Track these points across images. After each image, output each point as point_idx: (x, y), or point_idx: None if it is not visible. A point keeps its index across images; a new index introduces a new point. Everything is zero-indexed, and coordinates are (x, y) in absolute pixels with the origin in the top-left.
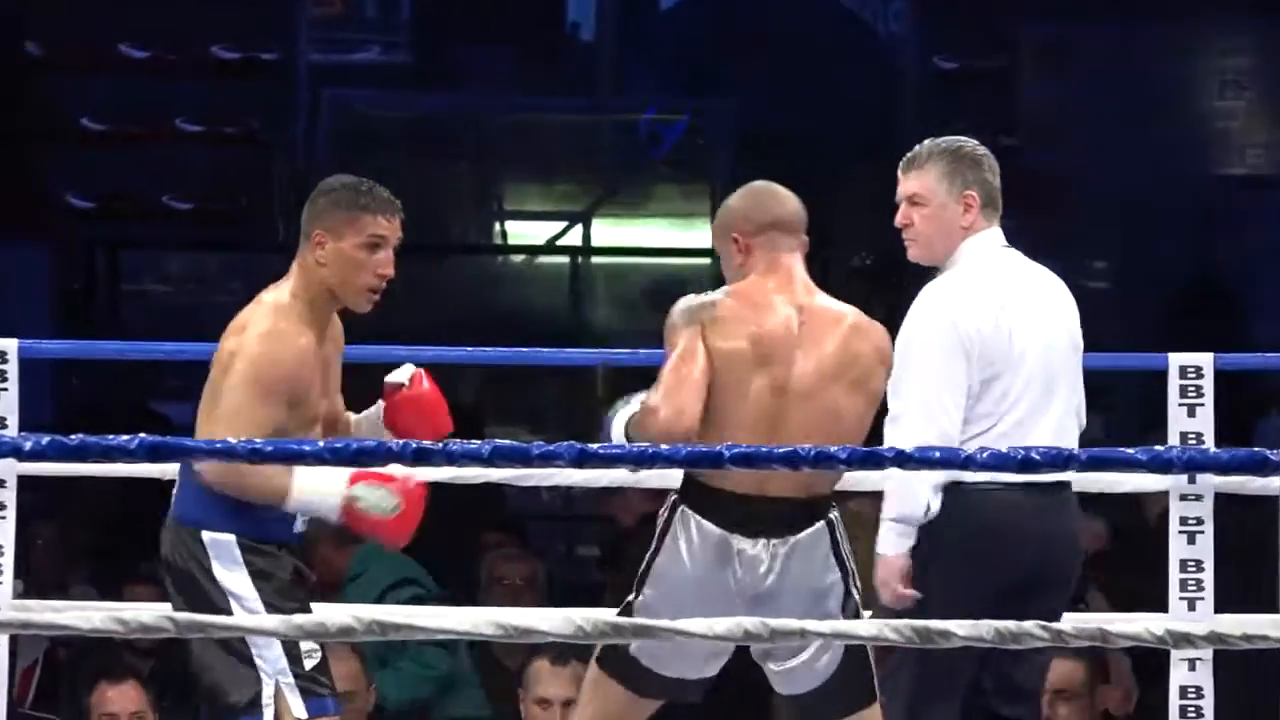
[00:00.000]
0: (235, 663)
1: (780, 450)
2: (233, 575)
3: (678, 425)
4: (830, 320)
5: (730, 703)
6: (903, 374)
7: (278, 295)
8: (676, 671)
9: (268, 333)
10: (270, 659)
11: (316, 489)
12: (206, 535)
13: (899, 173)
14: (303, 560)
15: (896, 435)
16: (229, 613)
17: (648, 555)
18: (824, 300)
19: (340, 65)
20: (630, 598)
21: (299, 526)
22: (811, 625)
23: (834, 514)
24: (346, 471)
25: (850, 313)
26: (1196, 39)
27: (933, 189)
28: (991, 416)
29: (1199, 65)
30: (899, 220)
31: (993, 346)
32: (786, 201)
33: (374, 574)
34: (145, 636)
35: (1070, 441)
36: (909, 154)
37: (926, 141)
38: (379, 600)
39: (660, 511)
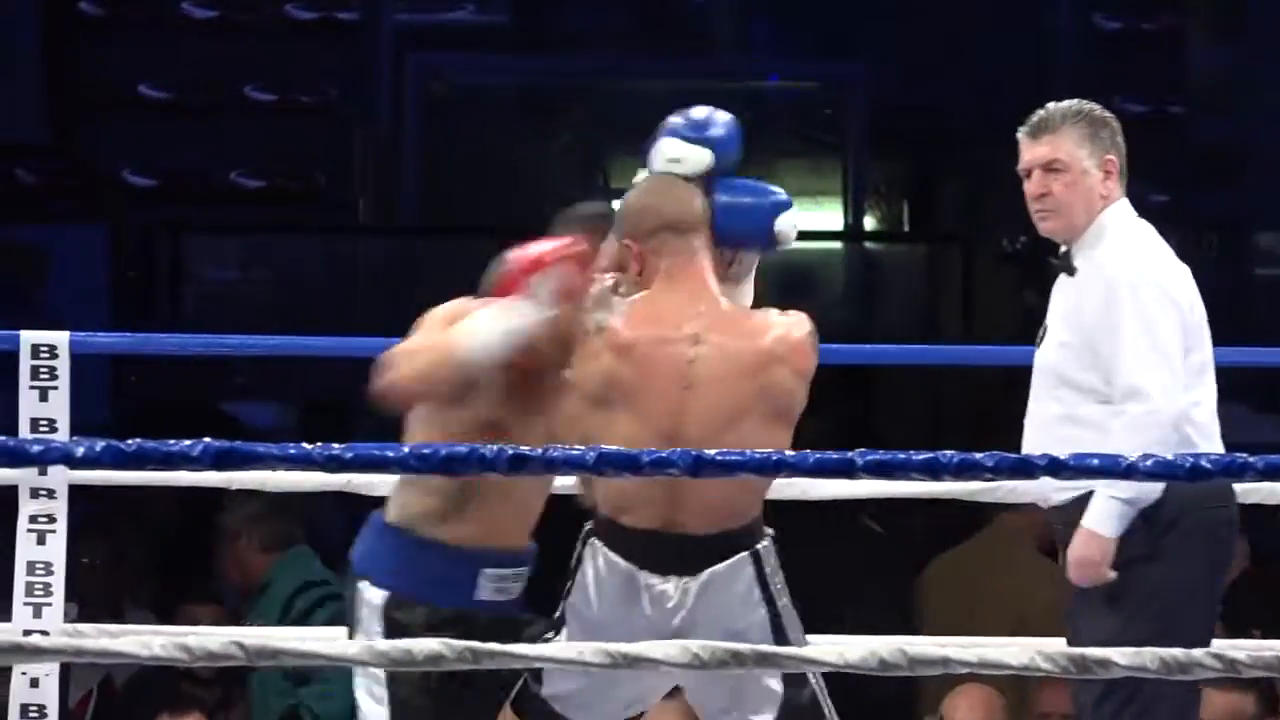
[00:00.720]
0: None
1: (920, 457)
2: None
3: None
4: (735, 351)
5: None
6: (1126, 351)
7: None
8: None
9: None
10: None
11: (490, 320)
12: (363, 586)
13: (1024, 138)
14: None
15: (1140, 418)
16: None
17: (564, 592)
18: (733, 319)
19: (429, 26)
20: (550, 638)
21: (484, 594)
22: (955, 652)
23: (763, 544)
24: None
25: (764, 327)
26: None
27: (1074, 154)
28: (1195, 390)
29: None
30: (1034, 189)
31: (1190, 318)
32: (679, 200)
33: (281, 582)
34: (211, 665)
35: None
36: (1034, 118)
37: (1050, 105)
38: (288, 606)
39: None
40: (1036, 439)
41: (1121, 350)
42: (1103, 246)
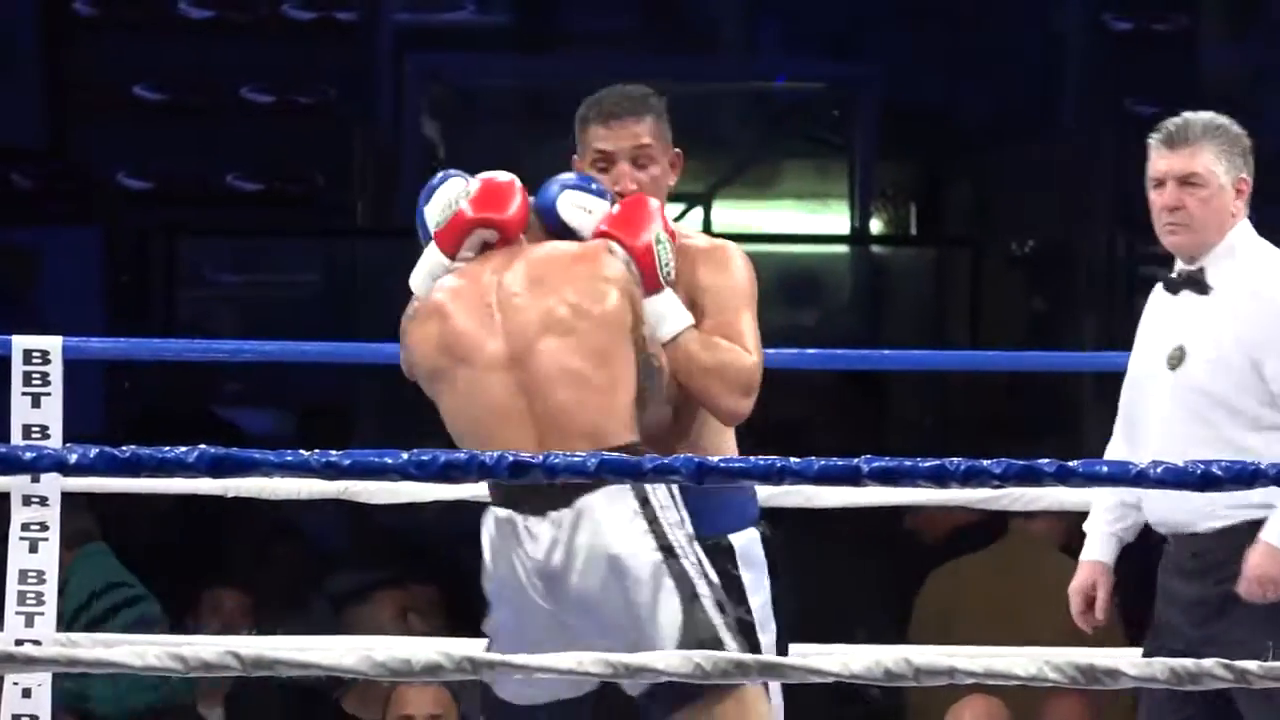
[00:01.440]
0: None
1: (926, 465)
2: None
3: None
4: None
5: None
6: None
7: None
8: (527, 699)
9: None
10: None
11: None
12: None
13: (1158, 146)
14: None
15: None
16: None
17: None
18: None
19: (429, 26)
20: None
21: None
22: (962, 663)
23: None
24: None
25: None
26: None
27: (1211, 169)
28: None
29: None
30: (1168, 201)
31: None
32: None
33: (79, 579)
34: (207, 676)
35: None
36: (1171, 126)
37: (1187, 114)
38: (87, 604)
39: None
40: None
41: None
42: (1238, 264)
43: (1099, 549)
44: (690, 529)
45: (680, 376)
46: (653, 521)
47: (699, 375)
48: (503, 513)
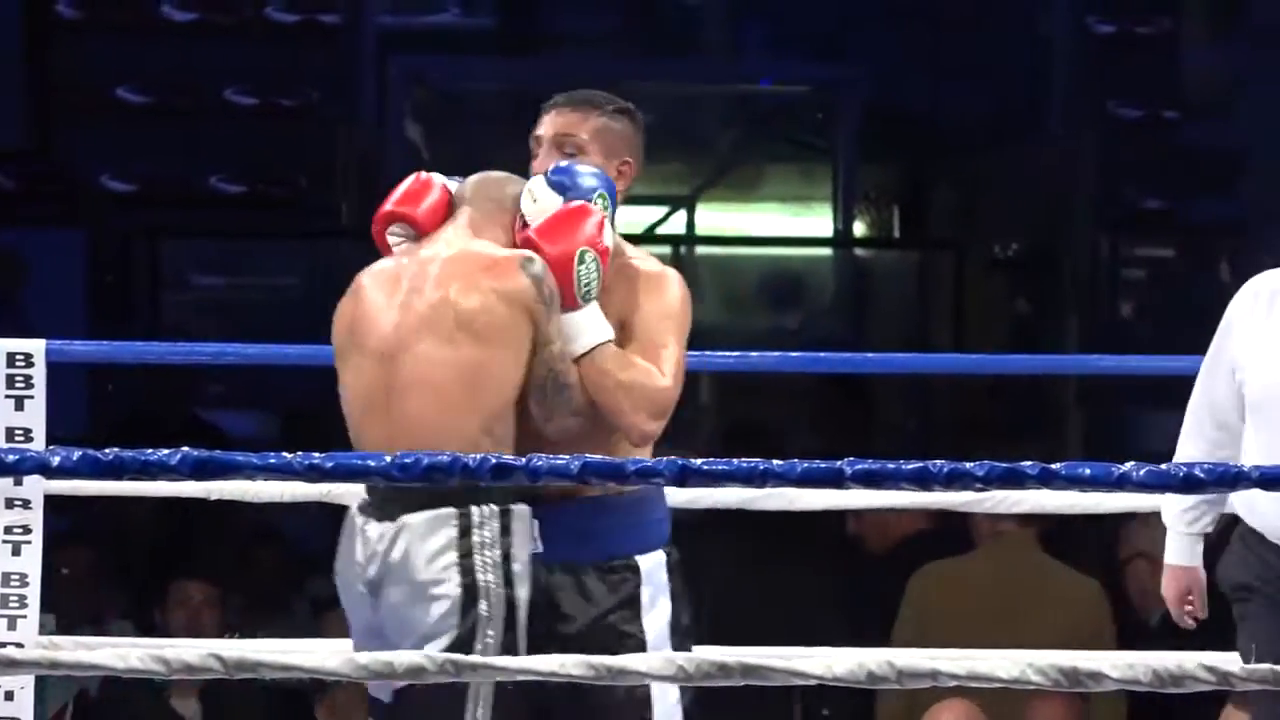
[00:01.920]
0: None
1: (909, 467)
2: None
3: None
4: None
5: None
6: None
7: None
8: (385, 694)
9: None
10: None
11: None
12: None
13: None
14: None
15: None
16: None
17: None
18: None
19: (412, 29)
20: None
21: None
22: (945, 665)
23: (484, 509)
24: None
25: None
26: None
27: None
28: None
29: None
30: None
31: None
32: None
33: None
34: (189, 678)
35: None
36: None
37: None
38: None
39: None
40: None
41: None
42: None
43: (1186, 554)
44: (519, 568)
45: (592, 391)
46: (466, 555)
47: (610, 390)
48: (353, 511)
